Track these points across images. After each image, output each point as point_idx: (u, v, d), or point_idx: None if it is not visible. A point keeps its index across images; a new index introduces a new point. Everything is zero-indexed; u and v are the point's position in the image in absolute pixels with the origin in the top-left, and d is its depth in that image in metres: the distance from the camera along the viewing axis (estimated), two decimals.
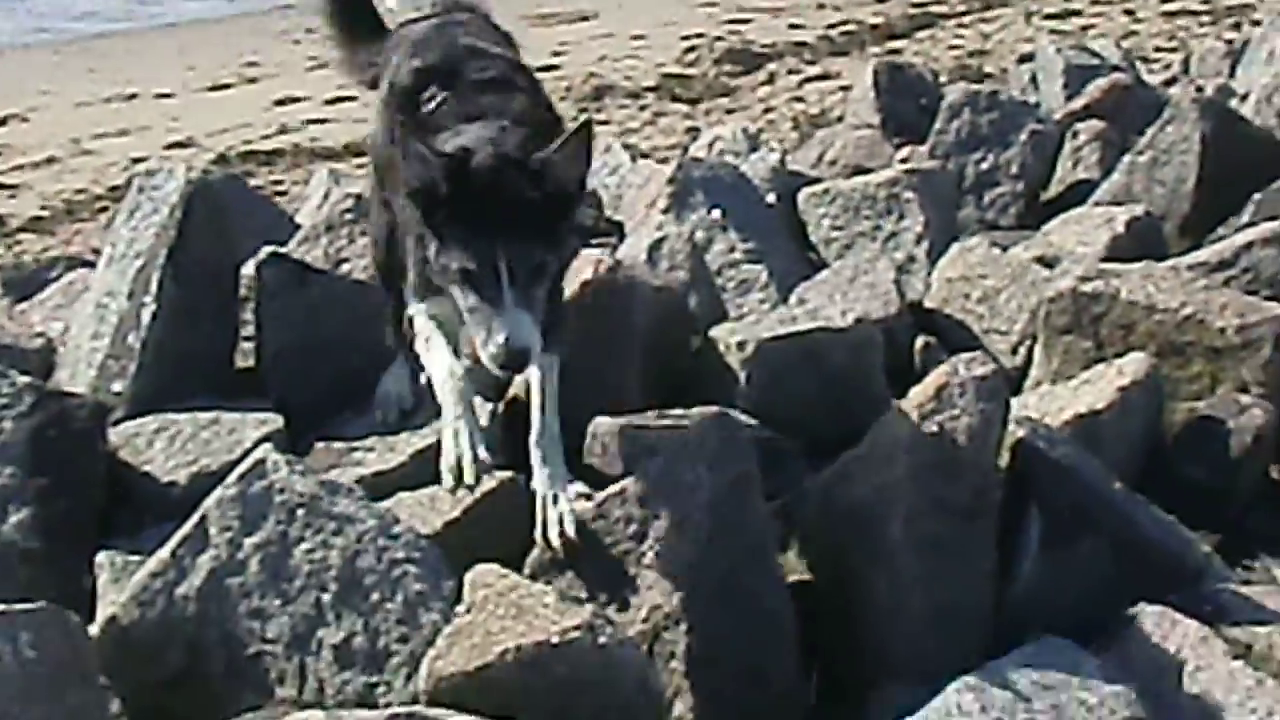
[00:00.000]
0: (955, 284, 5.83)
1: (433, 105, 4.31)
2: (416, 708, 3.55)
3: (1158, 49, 12.66)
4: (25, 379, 4.66)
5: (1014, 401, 4.56)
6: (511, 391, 4.63)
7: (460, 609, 3.74)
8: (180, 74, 14.73)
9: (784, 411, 4.91)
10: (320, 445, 4.80)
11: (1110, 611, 4.02)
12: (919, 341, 5.57)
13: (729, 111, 11.94)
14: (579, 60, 13.82)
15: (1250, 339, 5.01)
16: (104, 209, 10.37)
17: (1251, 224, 5.96)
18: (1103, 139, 7.38)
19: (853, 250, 6.32)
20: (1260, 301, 5.16)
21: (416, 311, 4.28)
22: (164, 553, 4.00)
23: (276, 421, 4.81)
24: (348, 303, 5.25)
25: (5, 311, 6.25)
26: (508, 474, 4.32)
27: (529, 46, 5.11)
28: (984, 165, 7.31)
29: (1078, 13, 14.62)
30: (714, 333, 5.21)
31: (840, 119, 9.52)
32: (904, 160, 7.27)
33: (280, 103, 13.27)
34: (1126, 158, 6.83)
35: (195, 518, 4.00)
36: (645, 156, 8.24)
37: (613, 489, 4.12)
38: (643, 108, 12.34)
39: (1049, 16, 14.49)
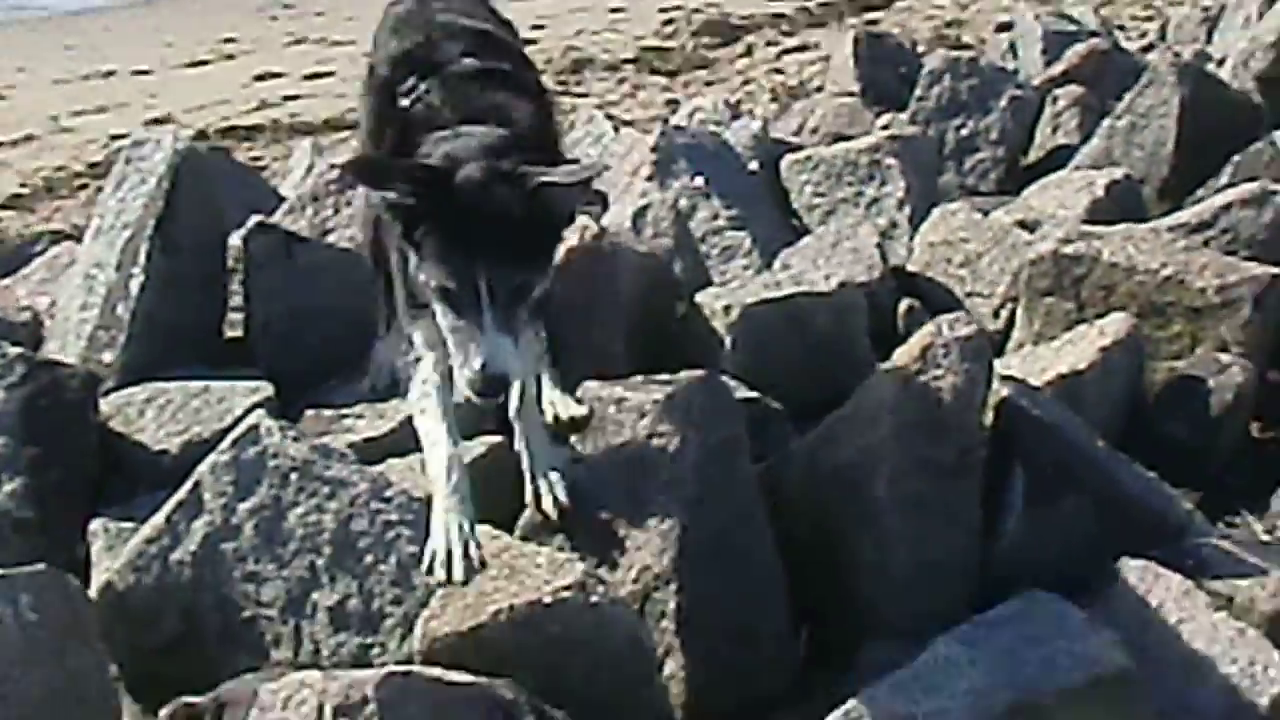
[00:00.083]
0: (937, 248, 5.88)
1: (411, 100, 3.97)
2: (412, 668, 3.58)
3: (1134, 16, 12.68)
4: (16, 349, 4.68)
5: (997, 363, 4.59)
6: None
7: None
8: (158, 51, 14.69)
9: (769, 375, 4.94)
10: (310, 413, 4.83)
11: (1094, 568, 4.06)
12: (902, 305, 5.62)
13: (708, 84, 11.93)
14: (557, 33, 13.81)
15: (1230, 299, 5.07)
16: (84, 186, 10.34)
17: (1230, 185, 6.00)
18: (1082, 104, 7.42)
19: (835, 216, 6.36)
20: (1239, 261, 5.21)
21: (413, 341, 3.99)
22: (158, 519, 4.03)
23: (267, 390, 4.83)
24: (335, 271, 5.27)
25: None
26: (496, 439, 4.36)
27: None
28: (964, 131, 7.35)
29: None
30: (699, 298, 5.24)
31: (819, 90, 9.55)
32: (885, 127, 7.30)
33: (259, 78, 13.25)
34: (1106, 122, 6.88)
35: (189, 484, 4.04)
36: (627, 125, 8.25)
37: (601, 451, 4.16)
38: (621, 80, 12.33)
39: None
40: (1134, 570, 3.98)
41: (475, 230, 3.51)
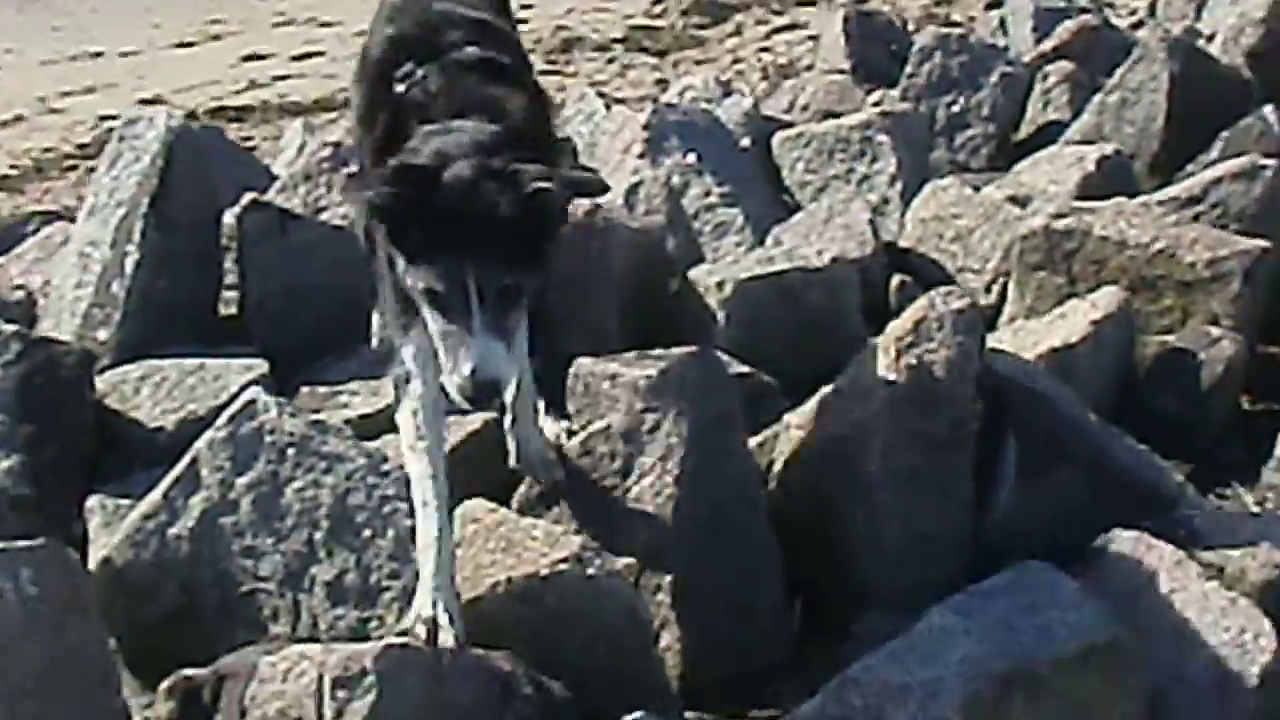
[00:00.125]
0: (929, 224, 5.90)
1: (406, 85, 3.82)
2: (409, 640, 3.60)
3: None
4: (12, 327, 4.70)
5: (989, 338, 4.62)
6: None
7: None
8: (146, 32, 14.62)
9: (762, 350, 4.97)
10: (305, 390, 4.85)
11: (1087, 539, 4.07)
12: (894, 281, 5.65)
13: (697, 63, 11.89)
14: (547, 13, 13.75)
15: (1220, 272, 5.10)
16: (73, 167, 10.32)
17: (1220, 160, 6.03)
18: (1072, 80, 7.44)
19: (827, 193, 6.36)
20: (1229, 235, 5.24)
21: (401, 358, 3.79)
22: (156, 494, 4.05)
23: (261, 367, 4.85)
24: (329, 248, 5.29)
25: None
26: (491, 414, 4.38)
27: None
28: (955, 108, 7.37)
29: None
30: (692, 274, 5.26)
31: (809, 69, 9.53)
32: (877, 104, 7.32)
33: (247, 59, 13.20)
34: (1096, 98, 6.89)
35: (186, 459, 4.05)
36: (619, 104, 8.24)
37: (596, 426, 4.18)
38: (611, 60, 12.30)
39: None
40: (1126, 541, 4.00)
41: (465, 230, 3.36)
